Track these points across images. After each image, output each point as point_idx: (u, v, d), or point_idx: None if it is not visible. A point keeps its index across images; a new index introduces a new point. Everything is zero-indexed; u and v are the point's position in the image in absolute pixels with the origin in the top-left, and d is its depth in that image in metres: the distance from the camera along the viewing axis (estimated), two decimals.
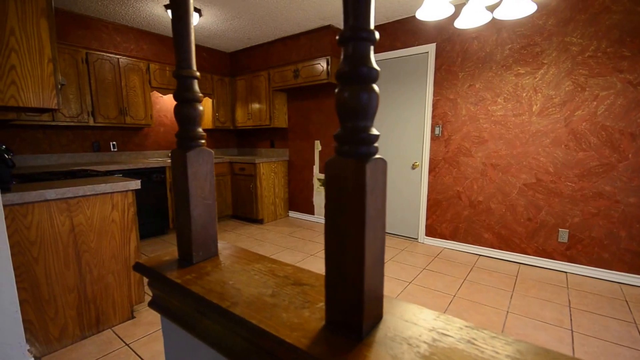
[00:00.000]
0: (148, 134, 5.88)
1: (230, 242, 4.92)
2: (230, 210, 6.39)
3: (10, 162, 2.37)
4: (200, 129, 0.92)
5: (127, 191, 2.85)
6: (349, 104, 0.56)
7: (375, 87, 0.57)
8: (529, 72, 3.85)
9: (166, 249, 4.60)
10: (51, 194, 2.39)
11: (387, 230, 5.34)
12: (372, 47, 0.56)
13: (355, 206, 0.56)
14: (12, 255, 2.22)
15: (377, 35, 0.56)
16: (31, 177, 3.07)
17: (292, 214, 6.66)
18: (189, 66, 0.88)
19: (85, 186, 2.56)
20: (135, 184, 2.90)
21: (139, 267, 0.93)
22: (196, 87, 0.90)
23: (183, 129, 0.90)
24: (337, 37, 0.57)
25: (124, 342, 2.64)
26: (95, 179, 2.97)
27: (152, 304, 0.96)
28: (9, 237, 2.23)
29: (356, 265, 0.58)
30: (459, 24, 2.56)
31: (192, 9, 0.86)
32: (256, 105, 6.30)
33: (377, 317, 0.64)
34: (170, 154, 0.81)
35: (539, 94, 3.81)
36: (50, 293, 2.47)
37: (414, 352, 0.56)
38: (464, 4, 2.46)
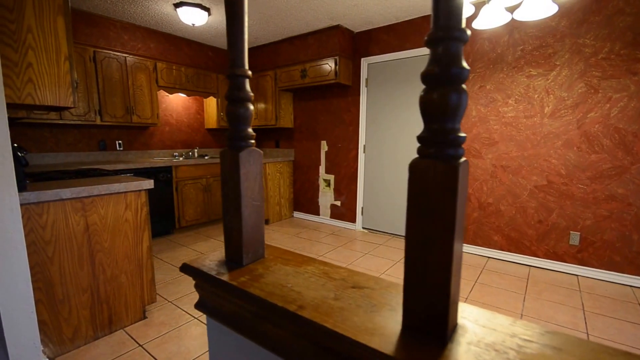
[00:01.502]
0: (154, 133, 5.86)
1: None
2: None
3: (24, 160, 2.34)
4: (250, 129, 0.90)
5: (140, 191, 2.83)
6: (437, 105, 0.55)
7: (464, 87, 0.55)
8: (541, 73, 3.84)
9: (175, 250, 4.59)
10: (67, 193, 2.37)
11: (393, 232, 5.34)
12: (462, 47, 0.55)
13: (445, 210, 0.55)
14: (28, 254, 2.19)
15: (469, 34, 0.55)
16: (42, 176, 3.05)
17: (296, 214, 6.64)
18: (243, 65, 0.86)
19: (100, 185, 2.54)
20: (149, 184, 2.88)
21: (187, 269, 0.91)
22: (248, 86, 0.88)
23: (235, 129, 0.88)
24: (425, 38, 0.56)
25: (137, 342, 2.62)
26: (108, 178, 2.95)
27: (199, 306, 0.94)
28: (25, 236, 2.21)
29: (443, 271, 0.56)
30: (478, 24, 2.55)
31: (246, 8, 0.84)
32: (262, 105, 6.28)
33: (454, 322, 0.63)
34: (220, 154, 0.80)
35: (551, 96, 3.80)
36: (64, 293, 2.45)
37: (503, 358, 0.54)
38: (484, 3, 2.45)
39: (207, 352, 2.47)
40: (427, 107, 0.56)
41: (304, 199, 6.45)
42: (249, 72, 0.88)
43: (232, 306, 0.85)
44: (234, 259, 0.92)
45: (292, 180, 6.55)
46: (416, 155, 0.58)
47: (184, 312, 3.04)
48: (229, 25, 0.84)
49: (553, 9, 2.25)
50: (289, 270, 0.89)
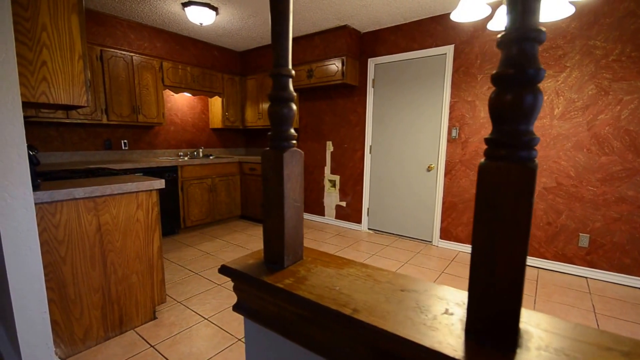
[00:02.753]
0: (159, 133, 5.84)
1: (242, 243, 4.90)
2: (239, 211, 6.35)
3: (35, 159, 2.32)
4: (292, 130, 0.89)
5: (151, 190, 2.82)
6: (511, 107, 0.54)
7: (539, 87, 0.54)
8: (551, 75, 3.84)
9: (181, 250, 4.58)
10: (79, 192, 2.35)
11: (399, 233, 5.33)
12: (538, 48, 0.54)
13: (518, 213, 0.53)
14: (41, 254, 2.17)
15: (545, 34, 0.53)
16: (52, 175, 3.03)
17: None
18: (287, 64, 0.85)
19: (112, 185, 2.53)
20: (160, 183, 2.86)
21: (227, 270, 0.90)
22: (291, 86, 0.87)
23: (278, 129, 0.87)
24: (498, 38, 0.55)
25: (149, 343, 2.61)
26: (119, 177, 2.93)
27: (238, 308, 0.93)
28: (38, 235, 2.19)
29: (515, 275, 0.55)
30: (493, 25, 2.53)
31: (291, 7, 0.83)
32: (267, 105, 6.25)
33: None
34: (262, 154, 0.78)
35: (561, 97, 3.79)
36: (76, 293, 2.43)
37: None
38: (501, 3, 2.44)
39: (219, 354, 2.46)
40: (499, 108, 0.55)
41: (309, 200, 6.44)
42: (293, 72, 0.86)
43: (275, 309, 0.84)
44: (274, 260, 0.91)
45: None
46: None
47: (194, 313, 3.02)
48: (274, 24, 0.83)
49: (570, 10, 2.24)
50: (332, 272, 0.87)
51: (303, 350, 0.82)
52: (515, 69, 0.53)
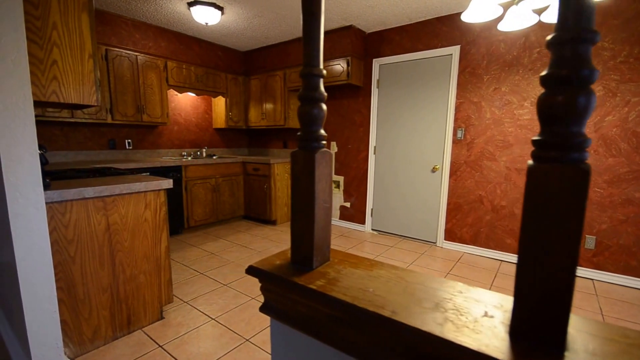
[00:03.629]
0: (162, 132, 5.83)
1: (245, 243, 4.89)
2: (242, 211, 6.34)
3: (44, 158, 2.31)
4: (322, 130, 0.88)
5: (159, 190, 2.81)
6: (562, 108, 0.53)
7: (592, 88, 0.53)
8: None
9: (185, 250, 4.57)
10: (89, 192, 2.34)
11: (403, 234, 5.32)
12: (591, 49, 0.53)
13: (571, 215, 0.53)
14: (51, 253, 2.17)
15: (599, 36, 0.53)
16: (58, 174, 3.01)
17: None
18: (318, 64, 0.85)
19: (121, 185, 2.52)
20: (168, 183, 2.85)
21: (255, 271, 0.89)
22: (322, 86, 0.87)
23: (308, 130, 0.86)
24: (548, 39, 0.54)
25: (157, 343, 2.60)
26: (127, 177, 2.93)
27: (265, 309, 0.92)
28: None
29: (566, 278, 0.54)
30: (504, 26, 2.53)
31: (323, 6, 0.83)
32: (271, 105, 6.26)
33: None
34: (291, 155, 0.78)
35: None
36: (85, 293, 2.43)
37: None
38: (513, 4, 2.43)
39: (228, 354, 2.46)
40: (550, 109, 0.54)
41: None
42: (324, 72, 0.86)
43: (306, 310, 0.83)
44: (302, 261, 0.90)
45: None
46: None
47: (200, 313, 3.02)
48: (306, 23, 0.82)
49: None
50: (362, 274, 0.87)
51: (334, 351, 0.81)
52: (568, 70, 0.52)
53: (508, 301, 0.73)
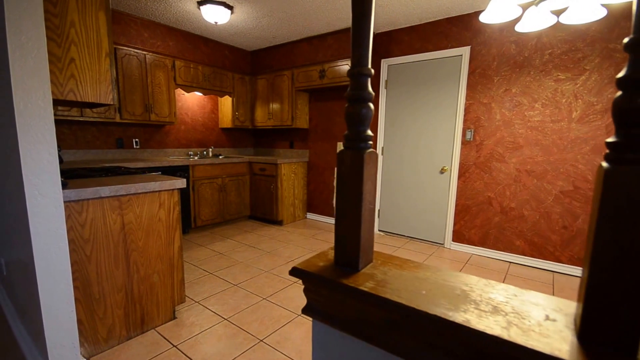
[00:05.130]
0: (169, 132, 5.83)
1: (253, 243, 4.88)
2: (248, 211, 6.33)
3: (60, 157, 2.31)
4: (369, 131, 0.88)
5: (173, 190, 2.80)
6: None
7: None
8: (569, 77, 3.82)
9: (193, 249, 4.56)
10: (105, 191, 2.34)
11: (410, 235, 5.31)
12: None
13: None
14: None
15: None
16: (70, 173, 3.00)
17: (310, 215, 6.61)
18: (367, 64, 0.84)
19: (136, 184, 2.51)
20: (181, 183, 2.84)
21: (300, 273, 0.89)
22: (369, 86, 0.86)
23: (356, 130, 0.85)
24: (625, 41, 0.54)
25: (171, 343, 2.59)
26: (141, 176, 2.92)
27: (308, 311, 0.91)
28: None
29: None
30: (521, 27, 2.52)
31: (374, 5, 0.82)
32: (277, 105, 6.25)
33: None
34: (338, 155, 0.77)
35: (580, 100, 3.78)
36: (100, 292, 2.42)
37: None
38: (532, 4, 2.42)
39: (243, 354, 2.45)
40: (627, 112, 0.53)
41: (318, 200, 6.42)
42: (372, 71, 0.85)
43: (355, 312, 0.82)
44: (347, 263, 0.89)
45: (306, 182, 6.52)
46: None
47: (212, 313, 3.01)
48: (356, 24, 0.82)
49: (602, 12, 2.22)
50: (408, 275, 0.86)
51: (383, 353, 0.80)
52: None
53: (566, 305, 0.72)
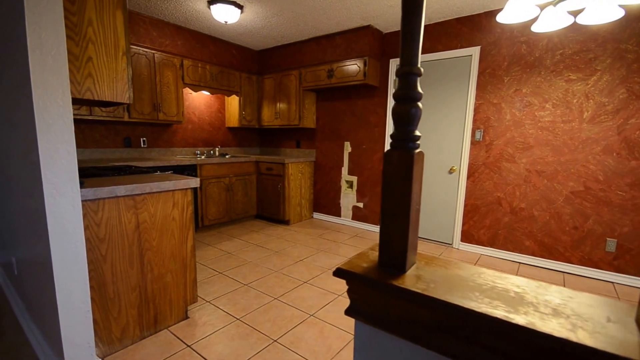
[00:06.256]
0: (176, 131, 5.82)
1: (261, 242, 4.87)
2: (254, 211, 6.32)
3: None
4: (417, 131, 0.87)
5: (187, 189, 2.79)
6: None
7: None
8: (580, 78, 3.81)
9: (201, 249, 4.55)
10: (121, 190, 2.33)
11: (419, 235, 5.30)
12: None
13: None
14: None
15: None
16: (82, 172, 2.98)
17: (316, 215, 6.60)
18: (417, 63, 0.83)
19: (151, 183, 2.50)
20: (195, 182, 2.84)
21: (345, 274, 0.87)
22: (419, 85, 0.85)
23: (405, 130, 0.84)
24: None
25: (185, 343, 2.58)
26: (155, 175, 2.91)
27: (352, 312, 0.90)
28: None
29: None
30: (537, 27, 2.51)
31: (425, 5, 0.81)
32: (285, 105, 6.24)
33: None
34: (385, 155, 0.76)
35: (591, 101, 3.77)
36: (115, 292, 2.41)
37: None
38: (551, 4, 2.41)
39: (257, 354, 2.44)
40: None
41: (325, 200, 6.41)
42: (422, 70, 0.84)
43: (403, 314, 0.81)
44: (393, 264, 0.88)
45: (313, 181, 6.51)
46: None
47: (225, 313, 3.00)
48: (406, 22, 0.81)
49: (619, 13, 2.21)
50: (455, 276, 0.85)
51: (433, 355, 0.79)
52: None
53: (622, 307, 0.71)
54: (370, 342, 0.90)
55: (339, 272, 0.89)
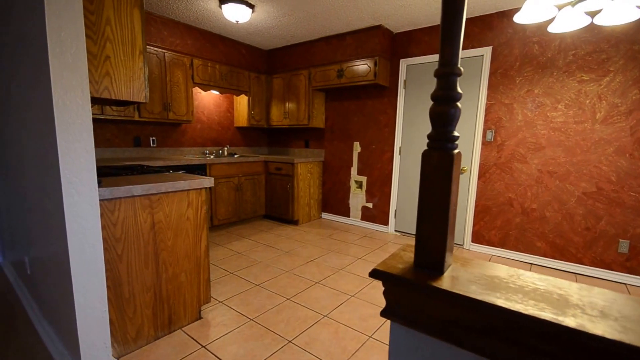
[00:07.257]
0: (186, 130, 5.83)
1: (270, 243, 4.87)
2: (263, 211, 6.32)
3: None
4: (456, 132, 0.86)
5: (201, 189, 2.79)
6: None
7: None
8: (593, 79, 3.79)
9: (211, 249, 4.55)
10: (137, 189, 2.33)
11: None
12: None
13: None
14: None
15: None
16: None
17: (325, 215, 6.60)
18: (457, 63, 0.82)
19: (166, 183, 2.50)
20: (209, 182, 2.84)
21: (382, 275, 0.87)
22: (458, 85, 0.84)
23: (444, 130, 0.84)
24: None
25: (200, 343, 2.58)
26: (167, 175, 2.91)
27: (388, 314, 0.89)
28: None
29: None
30: (554, 28, 2.49)
31: (465, 6, 0.80)
32: (294, 105, 6.23)
33: None
34: (423, 155, 0.75)
35: (604, 102, 3.75)
36: (130, 292, 2.41)
37: None
38: (570, 4, 2.39)
39: (273, 355, 2.44)
40: None
41: (334, 200, 6.41)
42: (462, 70, 0.83)
43: (443, 316, 0.80)
44: (430, 265, 0.88)
45: (322, 181, 6.51)
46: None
47: (238, 313, 3.00)
48: (447, 22, 0.80)
49: (637, 14, 2.19)
50: (494, 278, 0.84)
51: (474, 357, 0.79)
52: None
53: None
54: (407, 344, 0.90)
55: (375, 273, 0.88)
